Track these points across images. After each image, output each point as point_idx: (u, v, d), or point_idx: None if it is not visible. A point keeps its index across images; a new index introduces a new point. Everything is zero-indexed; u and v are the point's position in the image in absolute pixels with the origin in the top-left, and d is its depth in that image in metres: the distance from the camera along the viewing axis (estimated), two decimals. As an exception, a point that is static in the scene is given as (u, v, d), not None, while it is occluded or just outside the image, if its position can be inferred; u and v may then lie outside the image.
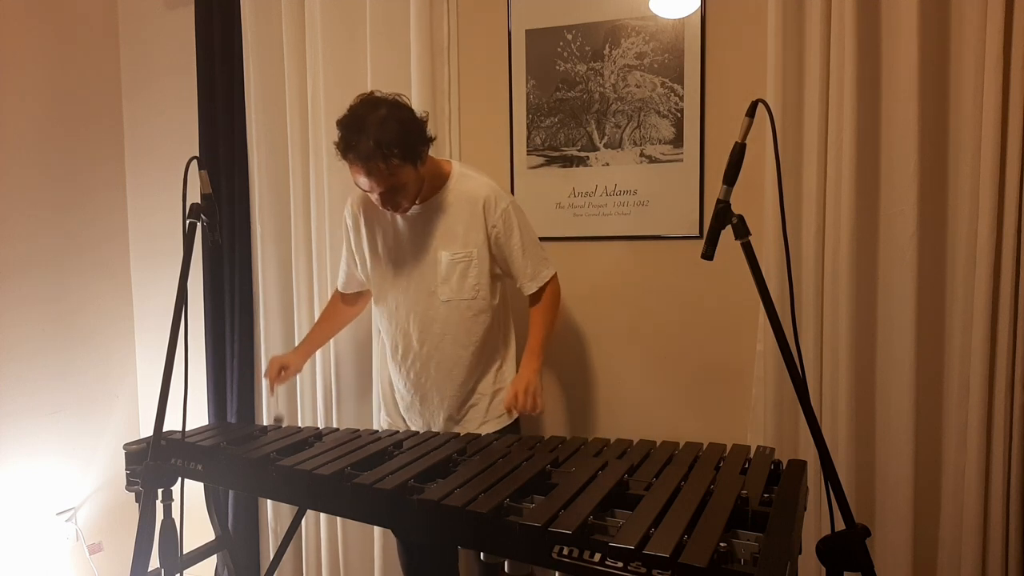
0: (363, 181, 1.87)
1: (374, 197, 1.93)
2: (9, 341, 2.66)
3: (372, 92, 1.93)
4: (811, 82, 2.04)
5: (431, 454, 1.71)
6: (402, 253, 2.06)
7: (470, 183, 2.03)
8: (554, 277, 2.09)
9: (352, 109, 1.89)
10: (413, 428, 2.14)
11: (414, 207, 2.00)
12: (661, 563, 1.14)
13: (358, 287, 2.27)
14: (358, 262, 2.18)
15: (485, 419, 2.07)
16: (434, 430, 2.05)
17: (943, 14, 1.95)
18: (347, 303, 2.34)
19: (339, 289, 2.32)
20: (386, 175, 1.84)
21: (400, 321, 2.08)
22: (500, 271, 2.07)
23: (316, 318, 2.62)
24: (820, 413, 2.09)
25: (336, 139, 1.87)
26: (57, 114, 2.82)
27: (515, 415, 2.09)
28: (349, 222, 2.16)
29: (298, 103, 2.61)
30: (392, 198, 1.91)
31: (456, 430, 2.06)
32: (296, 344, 2.57)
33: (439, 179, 2.03)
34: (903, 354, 2.01)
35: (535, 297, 2.08)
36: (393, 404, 2.22)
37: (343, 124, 1.86)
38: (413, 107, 1.93)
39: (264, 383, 2.48)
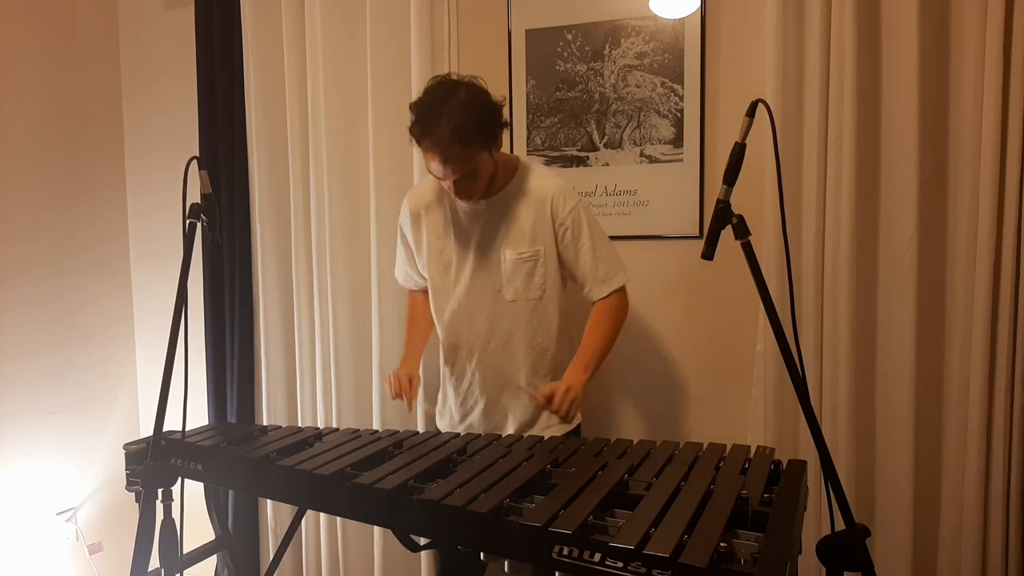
0: (438, 168, 1.79)
1: (447, 185, 1.86)
2: (9, 341, 2.66)
3: (448, 74, 1.86)
4: (811, 82, 2.04)
5: (431, 454, 1.71)
6: (465, 251, 1.98)
7: (538, 179, 1.96)
8: (623, 288, 1.97)
9: (428, 92, 1.81)
10: (469, 431, 2.05)
11: (479, 203, 1.93)
12: (661, 563, 1.14)
13: (417, 286, 2.20)
14: (417, 262, 2.11)
15: (549, 423, 2.00)
16: (495, 432, 1.95)
17: (943, 14, 1.96)
18: (421, 300, 2.21)
19: (402, 284, 2.24)
20: (464, 161, 1.77)
21: (462, 321, 2.01)
22: (566, 272, 1.98)
23: (316, 317, 2.63)
24: (820, 413, 2.09)
25: (410, 124, 1.80)
26: (57, 114, 2.82)
27: (577, 421, 2.01)
28: (407, 222, 2.08)
29: (298, 103, 2.61)
30: (467, 185, 1.84)
31: (519, 432, 1.98)
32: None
33: (507, 172, 1.95)
34: (903, 354, 2.01)
35: (600, 304, 1.96)
36: (450, 402, 2.12)
37: (420, 108, 1.79)
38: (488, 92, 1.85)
39: (387, 397, 2.33)
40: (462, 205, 1.95)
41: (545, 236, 1.94)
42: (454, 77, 1.86)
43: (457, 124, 1.73)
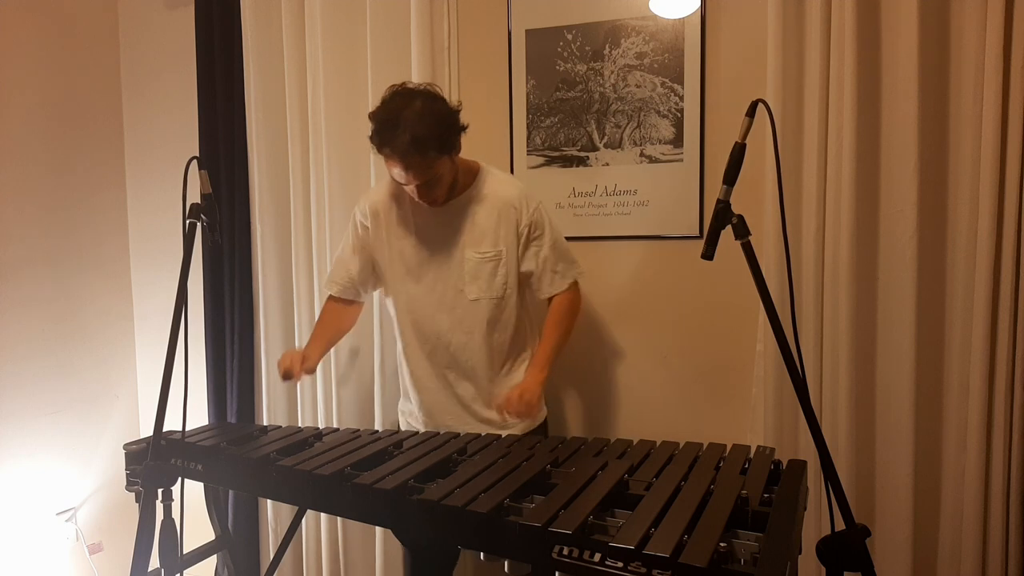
0: (400, 174, 1.86)
1: (410, 190, 1.91)
2: (9, 341, 2.66)
3: (404, 83, 1.91)
4: (811, 82, 2.04)
5: (431, 454, 1.71)
6: (427, 252, 2.03)
7: (499, 182, 2.03)
8: (575, 284, 2.07)
9: (385, 102, 1.87)
10: (432, 429, 2.08)
11: (441, 205, 1.98)
12: (661, 563, 1.14)
13: (353, 295, 2.20)
14: (375, 265, 2.12)
15: (512, 421, 2.03)
16: (455, 430, 1.99)
17: (943, 14, 1.95)
18: (347, 307, 2.25)
19: (334, 295, 2.21)
20: (424, 168, 1.84)
21: (424, 321, 2.05)
22: (522, 274, 2.04)
23: (317, 317, 2.62)
24: (820, 413, 2.09)
25: (370, 133, 1.86)
26: (57, 114, 2.82)
27: (541, 417, 2.07)
28: (366, 223, 2.10)
29: (298, 103, 2.60)
30: (430, 191, 1.90)
31: (480, 430, 2.00)
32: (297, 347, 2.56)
33: (468, 176, 2.01)
34: (903, 354, 2.01)
35: (555, 301, 2.06)
36: (415, 404, 2.15)
37: (378, 118, 1.85)
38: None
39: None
40: (423, 206, 1.98)
41: (507, 237, 1.99)
42: (410, 86, 1.91)
43: (415, 133, 1.79)
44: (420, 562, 2.19)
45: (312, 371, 2.12)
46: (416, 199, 1.94)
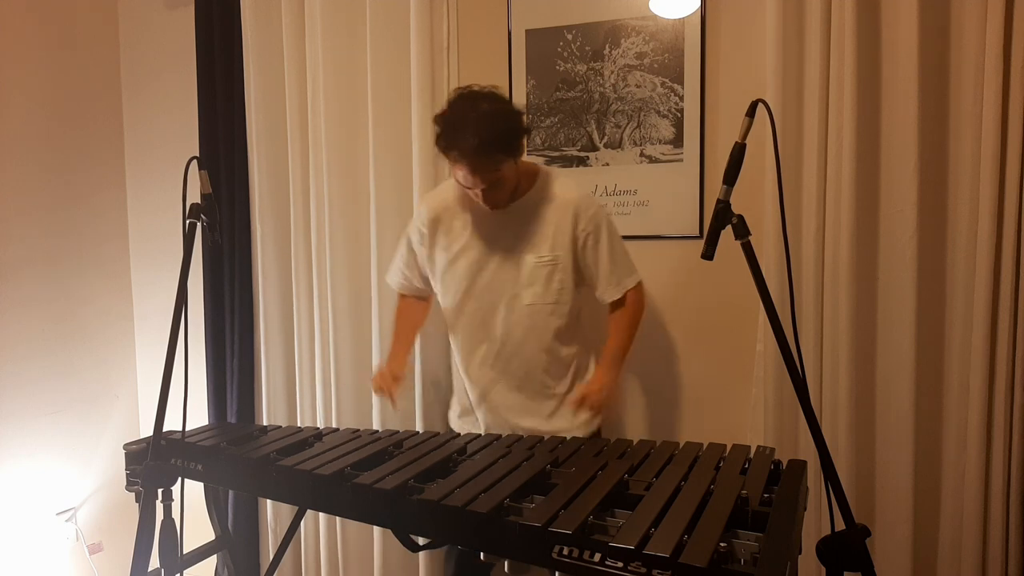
0: (466, 177, 1.85)
1: (473, 193, 1.91)
2: (9, 341, 2.66)
3: (469, 86, 1.91)
4: (811, 82, 2.04)
5: (431, 454, 1.71)
6: (484, 256, 2.02)
7: (560, 187, 2.01)
8: (638, 285, 2.06)
9: (451, 104, 1.87)
10: (485, 431, 2.07)
11: (501, 209, 1.96)
12: (661, 563, 1.14)
13: (414, 292, 2.23)
14: (429, 266, 2.12)
15: (562, 426, 2.02)
16: (505, 433, 1.96)
17: (943, 14, 1.95)
18: (417, 304, 2.27)
19: (395, 288, 2.27)
20: (491, 171, 1.83)
21: (479, 324, 2.04)
22: (583, 276, 2.03)
23: (316, 317, 2.63)
24: (820, 413, 2.09)
25: (436, 136, 1.85)
26: (57, 114, 2.82)
27: (585, 417, 2.03)
28: (423, 228, 2.09)
29: (298, 103, 2.60)
30: (494, 193, 1.89)
31: (534, 433, 1.96)
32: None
33: (528, 179, 2.00)
34: (903, 354, 2.01)
35: (616, 304, 2.04)
36: (466, 407, 2.16)
37: (444, 121, 1.84)
38: (506, 100, 1.92)
39: (378, 399, 2.46)
40: (483, 211, 1.97)
41: (564, 242, 1.98)
42: (475, 88, 1.90)
43: (482, 135, 1.77)
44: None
45: (402, 381, 2.13)
46: (478, 202, 1.94)
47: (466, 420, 2.17)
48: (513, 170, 1.90)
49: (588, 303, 2.11)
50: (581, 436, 1.99)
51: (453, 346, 2.14)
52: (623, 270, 2.03)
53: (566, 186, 2.02)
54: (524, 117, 1.91)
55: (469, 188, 1.90)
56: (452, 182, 2.03)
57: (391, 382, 2.07)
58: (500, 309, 2.01)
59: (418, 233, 2.12)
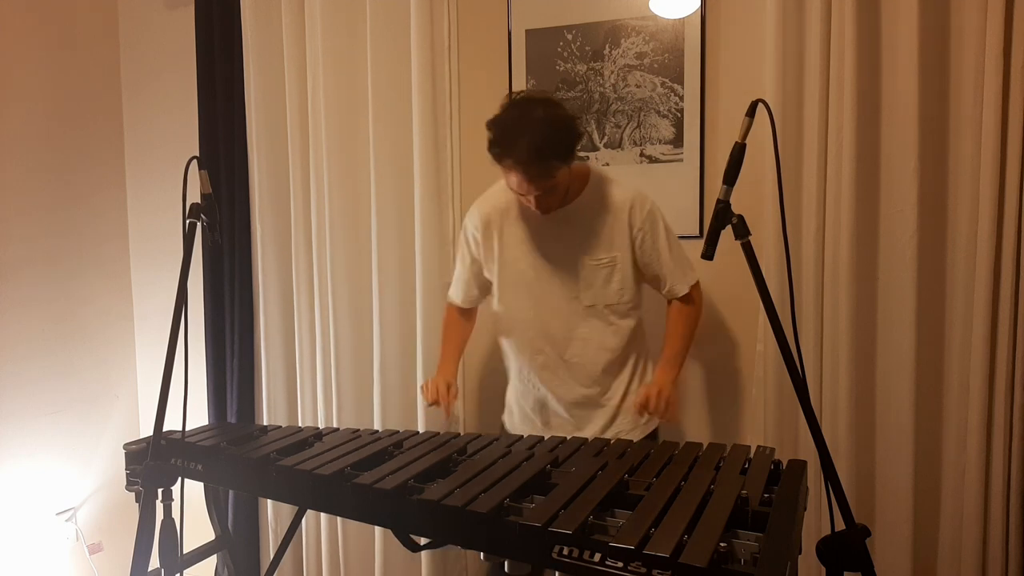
0: (520, 184, 1.82)
1: (528, 200, 1.89)
2: (9, 341, 2.66)
3: (523, 91, 1.89)
4: (811, 82, 2.04)
5: (431, 454, 1.71)
6: (540, 259, 1.99)
7: (611, 186, 1.98)
8: (696, 286, 2.03)
9: (505, 110, 1.84)
10: (541, 433, 2.01)
11: (555, 212, 1.94)
12: (661, 563, 1.14)
13: (476, 303, 2.21)
14: (485, 271, 2.10)
15: (627, 427, 2.01)
16: (561, 435, 1.91)
17: (943, 14, 1.95)
18: (466, 316, 2.25)
19: (459, 304, 2.21)
20: (545, 178, 1.81)
21: (538, 330, 2.01)
22: (642, 275, 2.01)
23: (316, 317, 2.63)
24: (820, 413, 2.09)
25: (489, 143, 1.82)
26: (57, 114, 2.82)
27: (646, 419, 2.03)
28: (476, 234, 2.08)
29: (298, 103, 2.61)
30: (547, 199, 1.87)
31: (590, 436, 1.94)
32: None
33: (580, 180, 1.97)
34: (903, 354, 2.01)
35: (679, 302, 2.02)
36: (524, 412, 2.13)
37: (497, 127, 1.81)
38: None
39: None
40: (536, 214, 1.94)
41: (622, 242, 1.95)
42: (528, 94, 1.89)
43: (537, 142, 1.75)
44: None
45: (456, 391, 2.11)
46: (531, 207, 1.92)
47: (525, 424, 2.13)
48: (566, 175, 1.87)
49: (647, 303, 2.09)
50: (639, 438, 1.97)
51: (508, 351, 2.11)
52: (685, 264, 2.01)
53: (619, 185, 1.99)
54: (578, 122, 1.87)
55: (522, 195, 1.88)
56: (502, 186, 2.01)
57: (445, 391, 2.05)
58: (559, 312, 1.99)
59: (472, 239, 2.10)
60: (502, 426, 2.23)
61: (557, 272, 1.98)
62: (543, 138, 1.76)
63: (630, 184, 2.02)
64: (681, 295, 2.01)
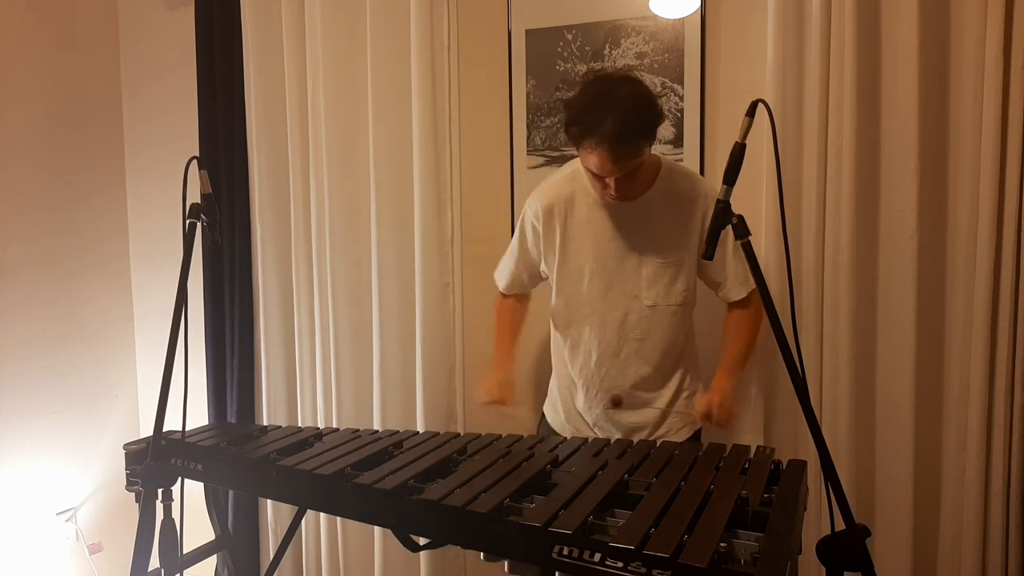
0: (603, 165, 1.70)
1: (603, 185, 1.77)
2: (9, 341, 2.66)
3: (603, 69, 1.77)
4: (811, 82, 2.04)
5: (431, 454, 1.71)
6: (603, 255, 1.89)
7: (681, 179, 1.88)
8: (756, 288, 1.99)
9: (587, 88, 1.75)
10: (588, 432, 2.00)
11: (621, 204, 1.84)
12: (661, 563, 1.14)
13: (520, 289, 2.11)
14: (543, 263, 1.99)
15: (675, 427, 1.97)
16: (607, 435, 1.91)
17: (943, 14, 1.95)
18: (518, 302, 2.13)
19: (503, 289, 2.13)
20: (630, 157, 1.69)
21: (594, 327, 1.93)
22: (703, 275, 1.94)
23: (316, 317, 2.63)
24: (820, 413, 2.09)
25: (567, 123, 1.73)
26: (57, 114, 2.82)
27: (698, 424, 1.99)
28: (537, 223, 1.95)
29: (298, 103, 2.61)
30: (627, 183, 1.75)
31: (637, 437, 1.91)
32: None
33: (650, 172, 1.84)
34: (903, 354, 2.01)
35: (737, 305, 1.94)
36: (571, 409, 2.06)
37: (579, 106, 1.71)
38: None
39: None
40: (601, 206, 1.87)
41: (690, 241, 1.87)
42: (610, 71, 1.78)
43: (624, 120, 1.64)
44: None
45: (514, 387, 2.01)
46: (608, 194, 1.79)
47: (571, 421, 2.06)
48: (647, 158, 1.76)
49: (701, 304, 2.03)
50: (685, 438, 1.94)
51: (561, 346, 2.02)
52: (746, 267, 1.90)
53: (687, 177, 1.90)
54: (661, 100, 1.75)
55: (603, 176, 1.75)
56: (564, 175, 1.94)
57: (505, 389, 1.95)
58: (618, 311, 1.90)
59: (531, 228, 1.98)
60: (541, 419, 2.15)
61: (619, 269, 1.89)
62: (630, 115, 1.65)
63: (702, 178, 1.92)
64: (735, 299, 1.93)
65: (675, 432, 1.97)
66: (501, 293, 2.15)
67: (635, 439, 1.85)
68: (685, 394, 1.98)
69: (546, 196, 1.95)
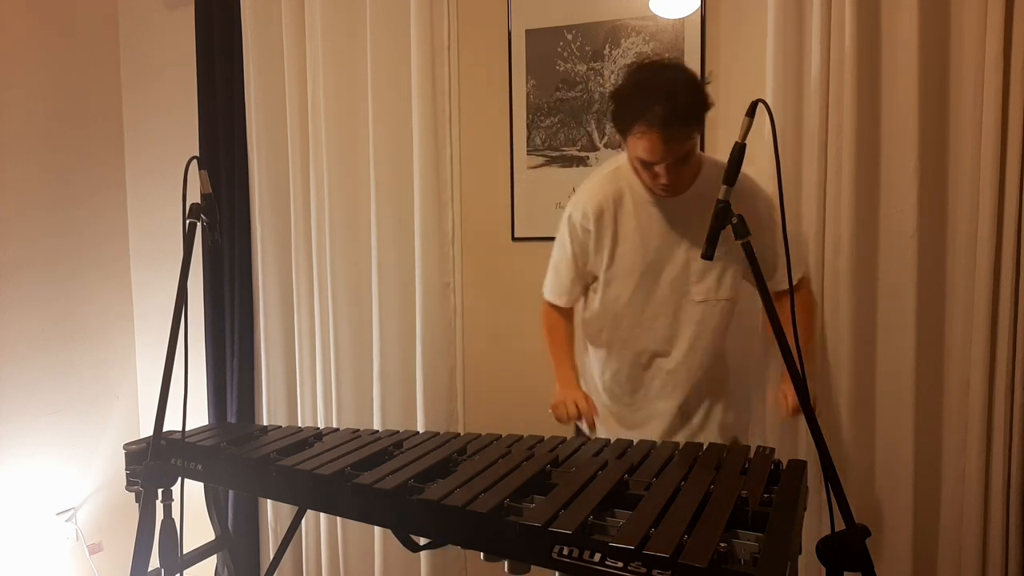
0: (653, 150, 1.67)
1: (655, 172, 1.73)
2: (9, 341, 2.66)
3: (647, 57, 1.77)
4: (811, 82, 2.04)
5: (431, 454, 1.71)
6: (651, 251, 1.85)
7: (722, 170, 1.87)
8: (806, 281, 1.93)
9: (634, 74, 1.73)
10: (629, 436, 1.90)
11: (667, 200, 1.81)
12: (661, 563, 1.14)
13: (576, 301, 2.03)
14: (591, 266, 1.93)
15: (717, 433, 1.93)
16: (652, 439, 1.84)
17: (943, 14, 1.95)
18: (567, 316, 2.06)
19: (561, 305, 2.02)
20: (682, 141, 1.67)
21: (643, 327, 1.88)
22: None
23: (316, 317, 2.62)
24: (819, 413, 2.09)
25: (615, 110, 1.71)
26: (57, 113, 2.82)
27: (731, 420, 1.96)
28: (588, 224, 1.89)
29: (298, 102, 2.61)
30: (677, 172, 1.72)
31: (683, 440, 1.86)
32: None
33: (694, 165, 1.81)
34: (903, 354, 2.01)
35: (786, 294, 1.88)
36: (611, 413, 2.00)
37: (628, 92, 1.69)
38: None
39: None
40: (646, 202, 1.84)
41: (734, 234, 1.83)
42: (655, 59, 1.77)
43: (676, 102, 1.63)
44: None
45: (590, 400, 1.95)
46: (658, 184, 1.76)
47: (609, 423, 2.00)
48: (695, 146, 1.74)
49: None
50: (723, 443, 1.85)
51: (603, 348, 1.97)
52: (795, 253, 1.86)
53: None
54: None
55: (653, 164, 1.71)
56: (604, 175, 1.90)
57: (586, 406, 1.90)
58: (667, 308, 1.87)
59: (581, 231, 1.90)
60: (576, 428, 2.09)
61: (669, 264, 1.85)
62: (682, 96, 1.64)
63: (744, 171, 1.87)
64: (785, 287, 1.88)
65: (719, 437, 1.92)
66: (550, 306, 2.06)
67: (729, 445, 1.78)
68: (737, 396, 1.94)
69: (594, 197, 1.89)
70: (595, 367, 2.02)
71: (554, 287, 2.02)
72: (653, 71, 1.72)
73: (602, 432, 1.99)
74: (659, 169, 1.72)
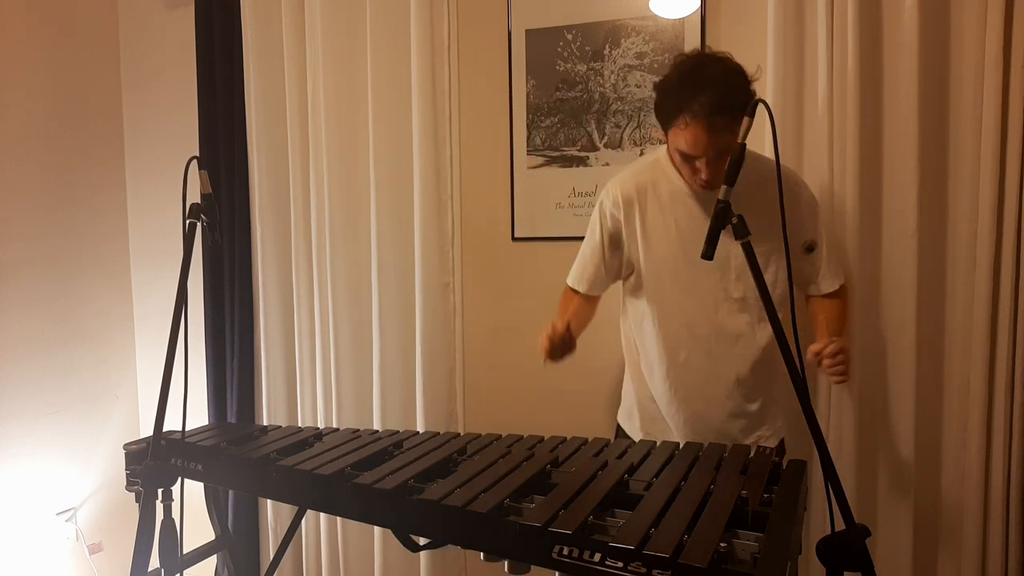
0: (696, 142, 1.64)
1: (696, 168, 1.70)
2: (9, 341, 2.66)
3: (692, 51, 1.73)
4: (811, 83, 2.04)
5: (431, 454, 1.71)
6: (686, 246, 1.80)
7: (766, 163, 1.79)
8: (845, 287, 1.90)
9: (679, 67, 1.70)
10: (682, 441, 1.85)
11: (704, 193, 1.76)
12: (661, 563, 1.14)
13: (601, 290, 1.99)
14: (630, 259, 1.88)
15: (762, 434, 1.88)
16: (707, 443, 1.78)
17: (943, 14, 1.96)
18: (587, 302, 2.00)
19: (583, 292, 1.97)
20: (726, 132, 1.60)
21: (681, 324, 1.84)
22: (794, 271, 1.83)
23: (316, 317, 2.62)
24: (820, 413, 2.09)
25: (658, 102, 1.69)
26: (57, 113, 2.82)
27: (779, 423, 1.91)
28: (617, 212, 1.85)
29: (298, 102, 2.61)
30: (717, 167, 1.66)
31: (737, 442, 1.83)
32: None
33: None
34: (903, 354, 2.01)
35: (827, 297, 1.88)
36: (651, 414, 1.97)
37: (673, 83, 1.67)
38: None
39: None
40: (683, 195, 1.80)
41: (779, 228, 1.72)
42: (698, 51, 1.75)
43: (721, 92, 1.60)
44: None
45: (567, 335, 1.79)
46: (698, 179, 1.72)
47: (654, 428, 1.97)
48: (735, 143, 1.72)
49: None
50: (772, 445, 1.82)
51: (642, 347, 1.94)
52: (839, 257, 1.84)
53: (768, 161, 1.80)
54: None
55: (696, 157, 1.68)
56: (645, 163, 1.87)
57: (562, 325, 1.76)
58: (705, 305, 1.82)
59: (611, 218, 1.87)
60: (618, 429, 2.06)
61: (705, 261, 1.78)
62: (725, 87, 1.61)
63: (786, 164, 1.85)
64: (828, 291, 1.86)
65: (767, 439, 1.89)
66: (573, 291, 2.00)
67: (729, 445, 1.74)
68: (778, 396, 1.89)
69: (628, 183, 1.86)
70: (637, 360, 1.95)
71: (576, 273, 1.99)
72: (697, 62, 1.69)
73: (644, 431, 1.96)
74: (700, 164, 1.69)
